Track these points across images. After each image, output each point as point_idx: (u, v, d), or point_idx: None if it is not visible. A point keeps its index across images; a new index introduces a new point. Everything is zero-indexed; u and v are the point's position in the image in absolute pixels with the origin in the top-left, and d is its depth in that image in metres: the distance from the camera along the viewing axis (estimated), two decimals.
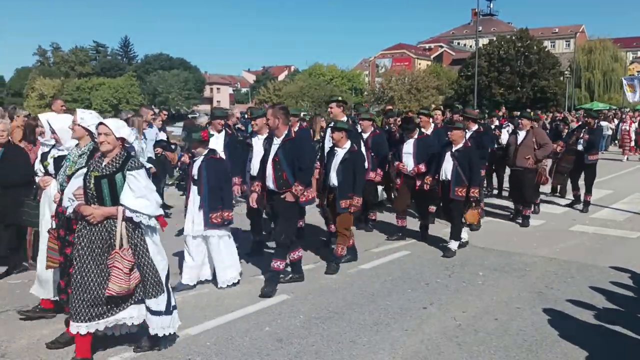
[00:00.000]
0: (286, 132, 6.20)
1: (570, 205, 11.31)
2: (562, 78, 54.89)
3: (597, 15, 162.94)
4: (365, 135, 8.82)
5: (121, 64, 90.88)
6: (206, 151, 6.28)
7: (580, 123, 11.91)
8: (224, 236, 6.32)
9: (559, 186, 12.31)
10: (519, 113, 11.10)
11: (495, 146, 11.32)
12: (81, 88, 66.98)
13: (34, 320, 5.28)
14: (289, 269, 6.58)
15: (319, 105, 49.20)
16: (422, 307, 5.79)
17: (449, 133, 7.99)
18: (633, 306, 5.83)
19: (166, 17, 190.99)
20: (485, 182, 12.03)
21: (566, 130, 12.66)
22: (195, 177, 6.23)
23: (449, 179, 7.70)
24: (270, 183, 6.27)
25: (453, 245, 7.80)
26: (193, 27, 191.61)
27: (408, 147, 8.37)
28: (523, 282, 6.63)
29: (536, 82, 55.06)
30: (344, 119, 7.80)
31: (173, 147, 9.84)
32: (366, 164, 8.17)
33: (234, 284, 6.35)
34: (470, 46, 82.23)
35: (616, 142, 26.14)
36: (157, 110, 12.33)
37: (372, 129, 9.02)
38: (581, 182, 11.17)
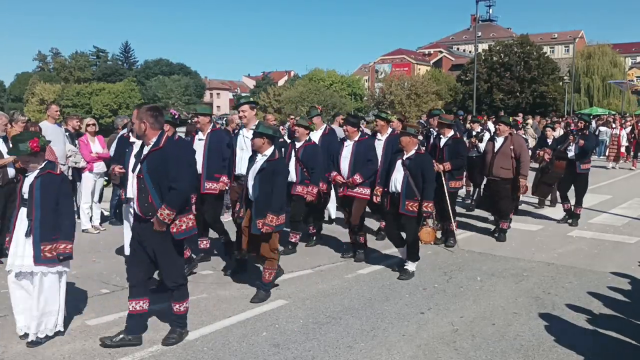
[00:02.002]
0: (155, 139, 4.80)
1: (563, 220, 10.28)
2: (561, 83, 55.01)
3: (596, 21, 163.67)
4: (298, 145, 7.98)
5: (121, 69, 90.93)
6: (42, 165, 4.94)
7: (570, 128, 10.88)
8: (56, 274, 4.94)
9: (548, 196, 11.43)
10: (494, 118, 10.72)
11: (474, 155, 10.68)
12: (81, 93, 66.96)
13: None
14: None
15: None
16: (420, 312, 5.79)
17: (400, 139, 7.14)
18: (630, 312, 5.82)
19: (166, 22, 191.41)
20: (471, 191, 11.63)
21: (552, 136, 11.38)
22: (25, 197, 4.92)
23: (399, 190, 6.90)
24: (135, 206, 4.87)
25: (411, 266, 6.97)
26: (193, 32, 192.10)
27: (347, 150, 7.55)
28: (520, 287, 6.63)
29: (536, 88, 55.23)
30: (257, 122, 6.84)
31: None
32: (294, 177, 7.77)
33: (55, 334, 5.01)
34: (470, 51, 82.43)
35: (596, 149, 25.55)
36: None
37: (307, 137, 8.09)
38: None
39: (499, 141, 8.91)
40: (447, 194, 8.20)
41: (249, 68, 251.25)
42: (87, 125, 9.69)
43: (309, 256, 7.83)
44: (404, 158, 6.94)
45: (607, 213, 11.33)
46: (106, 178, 9.99)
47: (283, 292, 6.31)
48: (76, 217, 9.72)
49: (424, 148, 8.04)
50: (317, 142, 8.30)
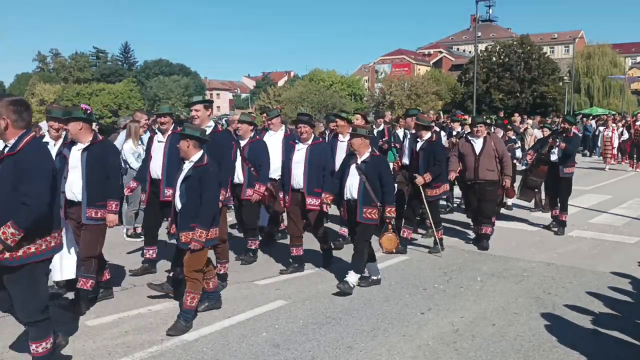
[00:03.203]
0: (14, 140, 3.96)
1: (550, 227, 9.75)
2: (561, 84, 55.01)
3: (595, 21, 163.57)
4: (243, 143, 7.47)
5: (121, 69, 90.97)
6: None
7: (553, 130, 10.34)
8: None
9: (532, 200, 10.95)
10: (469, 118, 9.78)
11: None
12: (81, 94, 66.93)
13: None
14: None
15: (318, 110, 49.28)
16: (420, 312, 5.78)
17: (351, 141, 6.60)
18: (631, 312, 5.82)
19: (166, 22, 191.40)
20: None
21: (532, 138, 11.32)
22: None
23: (355, 197, 6.37)
24: None
25: (352, 277, 6.33)
26: (193, 32, 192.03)
27: (299, 154, 6.97)
28: (521, 287, 6.62)
29: (536, 88, 55.28)
30: (210, 123, 6.52)
31: None
32: (242, 178, 7.34)
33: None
34: (470, 52, 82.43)
35: (586, 151, 24.76)
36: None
37: (252, 134, 7.56)
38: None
39: (478, 143, 8.37)
40: (426, 203, 7.89)
41: (248, 68, 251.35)
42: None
43: (308, 256, 7.80)
44: (359, 162, 6.40)
45: (607, 213, 11.32)
46: None
47: (283, 293, 6.31)
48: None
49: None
50: (280, 144, 7.88)
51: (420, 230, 9.23)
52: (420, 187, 7.80)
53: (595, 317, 5.64)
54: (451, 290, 6.49)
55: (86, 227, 5.58)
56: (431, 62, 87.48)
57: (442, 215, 10.51)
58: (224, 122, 20.83)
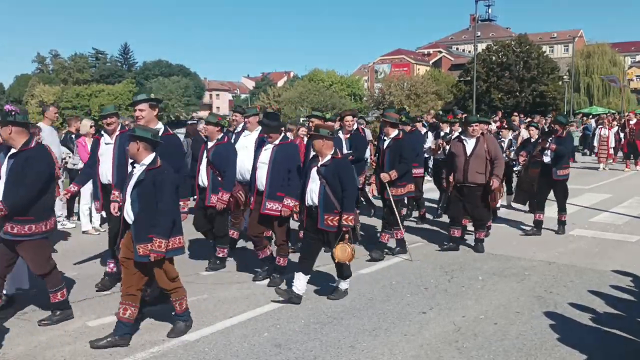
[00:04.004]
0: None
1: (531, 232, 9.32)
2: (561, 83, 55.02)
3: (595, 20, 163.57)
4: (210, 145, 7.05)
5: (121, 70, 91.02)
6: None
7: (546, 130, 9.95)
8: None
9: (526, 203, 10.66)
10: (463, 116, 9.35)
11: (441, 157, 10.09)
12: (81, 95, 66.97)
13: (33, 326, 5.27)
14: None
15: (320, 111, 49.26)
16: (422, 311, 5.77)
17: (312, 142, 6.11)
18: (632, 310, 5.81)
19: (166, 23, 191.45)
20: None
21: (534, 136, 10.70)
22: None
23: (316, 203, 5.94)
24: None
25: (343, 285, 6.17)
26: (192, 33, 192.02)
27: (265, 155, 6.58)
28: (522, 286, 6.61)
29: (535, 87, 55.27)
30: (159, 126, 5.96)
31: None
32: (206, 182, 6.95)
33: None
34: (469, 51, 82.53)
35: (586, 150, 24.34)
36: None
37: (220, 135, 7.10)
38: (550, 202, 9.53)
39: (470, 143, 8.04)
40: (392, 202, 7.59)
41: (248, 69, 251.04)
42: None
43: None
44: (319, 165, 5.95)
45: (607, 212, 11.32)
46: None
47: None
48: (76, 218, 9.83)
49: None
50: (254, 145, 7.30)
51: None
52: (387, 185, 7.53)
53: (597, 315, 5.63)
54: (453, 290, 6.48)
55: (19, 245, 5.07)
56: (431, 62, 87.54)
57: (434, 218, 10.59)
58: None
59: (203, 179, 7.01)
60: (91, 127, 9.62)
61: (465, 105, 49.48)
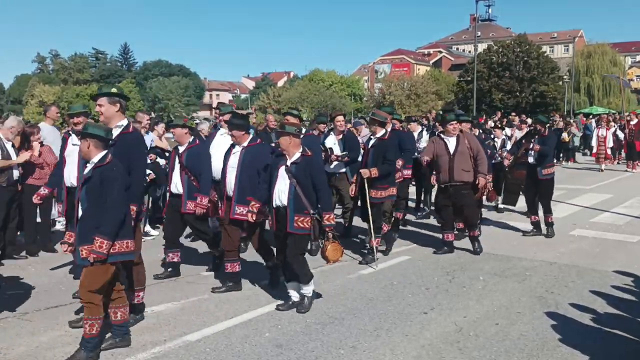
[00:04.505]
0: None
1: (531, 233, 9.25)
2: (561, 83, 55.02)
3: (595, 20, 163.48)
4: (181, 149, 6.78)
5: (121, 70, 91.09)
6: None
7: (528, 130, 9.73)
8: None
9: (515, 205, 10.60)
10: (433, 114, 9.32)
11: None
12: (81, 95, 66.94)
13: (35, 327, 5.27)
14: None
15: (318, 111, 49.31)
16: (423, 312, 5.77)
17: (279, 140, 5.82)
18: (634, 310, 5.80)
19: (165, 23, 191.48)
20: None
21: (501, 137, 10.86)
22: None
23: (285, 204, 5.64)
24: None
25: (307, 290, 5.74)
26: (192, 33, 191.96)
27: (234, 158, 6.28)
28: (523, 286, 6.61)
29: (535, 87, 55.27)
30: (122, 122, 5.38)
31: (167, 154, 9.74)
32: (180, 188, 6.64)
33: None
34: (469, 51, 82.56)
35: (587, 150, 24.04)
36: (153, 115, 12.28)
37: (191, 138, 6.83)
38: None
39: (452, 141, 7.89)
40: (368, 205, 7.29)
41: (248, 69, 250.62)
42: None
43: (310, 258, 7.79)
44: (288, 163, 5.67)
45: (608, 212, 11.31)
46: None
47: (285, 293, 6.28)
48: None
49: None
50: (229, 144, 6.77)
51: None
52: (366, 186, 7.25)
53: (599, 315, 5.63)
54: (454, 290, 6.48)
55: None
56: (431, 62, 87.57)
57: (420, 220, 10.56)
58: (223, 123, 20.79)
59: (177, 185, 6.73)
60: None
61: (467, 105, 49.47)
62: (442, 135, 8.06)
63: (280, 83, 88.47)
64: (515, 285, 6.66)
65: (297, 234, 5.60)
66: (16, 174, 7.53)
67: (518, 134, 11.80)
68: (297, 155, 5.66)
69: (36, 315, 5.61)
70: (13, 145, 7.64)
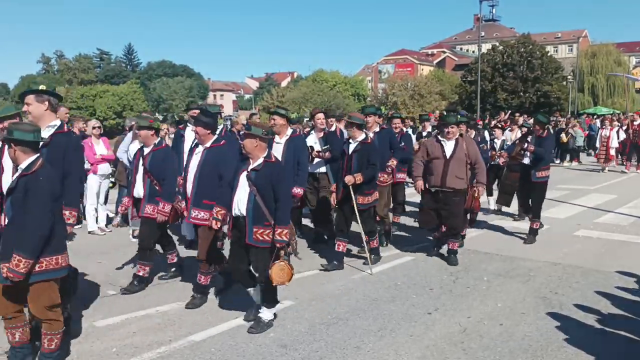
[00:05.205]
0: None
1: (529, 241, 8.75)
2: (565, 83, 54.89)
3: (599, 20, 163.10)
4: (146, 151, 6.36)
5: (125, 71, 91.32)
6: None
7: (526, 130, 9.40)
8: None
9: (509, 205, 10.38)
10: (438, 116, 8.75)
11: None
12: (85, 95, 67.10)
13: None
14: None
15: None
16: (427, 312, 5.78)
17: (243, 142, 5.35)
18: (638, 311, 5.80)
19: (169, 24, 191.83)
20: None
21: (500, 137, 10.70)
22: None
23: (244, 214, 5.13)
24: None
25: (266, 314, 5.31)
26: (196, 34, 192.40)
27: (195, 159, 5.90)
28: (527, 287, 6.61)
29: (539, 87, 55.13)
30: (55, 122, 5.02)
31: None
32: (141, 192, 6.26)
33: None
34: (473, 51, 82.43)
35: (591, 150, 23.85)
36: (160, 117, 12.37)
37: (157, 140, 6.40)
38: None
39: (449, 145, 7.44)
40: (357, 212, 7.00)
41: (252, 69, 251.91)
42: (92, 127, 9.72)
43: (314, 257, 7.81)
44: (249, 169, 5.16)
45: (612, 212, 11.29)
46: (112, 180, 10.06)
47: (289, 293, 6.29)
48: (83, 219, 9.86)
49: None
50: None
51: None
52: (352, 192, 6.90)
53: (603, 316, 5.63)
54: (458, 290, 6.48)
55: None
56: (434, 62, 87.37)
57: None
58: (227, 123, 20.86)
59: (139, 190, 6.32)
60: (93, 128, 9.66)
61: (471, 105, 49.41)
62: (440, 137, 7.63)
63: (284, 83, 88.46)
64: (520, 285, 6.66)
65: (256, 246, 5.11)
66: None
67: (508, 135, 11.64)
68: (260, 160, 5.14)
69: None
70: None
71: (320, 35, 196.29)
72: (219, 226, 5.43)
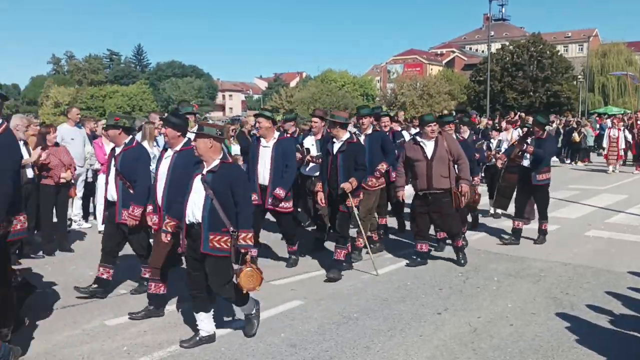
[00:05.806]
0: None
1: (508, 241, 8.63)
2: (575, 82, 54.57)
3: (610, 19, 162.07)
4: (117, 150, 6.06)
5: (134, 71, 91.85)
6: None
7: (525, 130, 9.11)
8: None
9: (506, 209, 9.98)
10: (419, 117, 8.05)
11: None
12: (95, 96, 67.52)
13: (51, 326, 5.34)
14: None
15: (331, 111, 49.29)
16: (437, 312, 5.76)
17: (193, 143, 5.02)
18: None
19: (179, 25, 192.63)
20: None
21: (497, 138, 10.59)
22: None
23: (199, 220, 4.73)
24: None
25: (247, 310, 5.12)
26: (205, 34, 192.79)
27: (165, 164, 5.49)
28: (538, 287, 6.58)
29: (549, 87, 54.85)
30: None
31: None
32: (114, 195, 5.97)
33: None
34: (482, 51, 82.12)
35: (602, 150, 22.86)
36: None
37: (128, 139, 6.06)
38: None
39: (430, 145, 7.18)
40: (356, 215, 6.94)
41: (261, 69, 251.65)
42: (103, 127, 9.78)
43: (322, 257, 7.80)
44: (204, 172, 4.80)
45: (623, 213, 11.21)
46: None
47: (298, 293, 6.32)
48: (92, 218, 9.93)
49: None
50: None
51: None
52: (349, 195, 6.70)
53: (614, 317, 5.59)
54: (468, 290, 6.46)
55: None
56: (444, 62, 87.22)
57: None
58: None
59: (112, 192, 6.00)
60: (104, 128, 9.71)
61: (480, 105, 49.22)
62: (419, 139, 7.31)
63: (292, 83, 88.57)
64: (530, 286, 6.64)
65: (212, 255, 4.73)
66: (30, 172, 7.52)
67: (504, 135, 11.51)
68: (216, 162, 4.78)
69: (53, 314, 5.67)
70: (26, 144, 7.62)
71: (328, 36, 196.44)
72: (168, 239, 5.10)
